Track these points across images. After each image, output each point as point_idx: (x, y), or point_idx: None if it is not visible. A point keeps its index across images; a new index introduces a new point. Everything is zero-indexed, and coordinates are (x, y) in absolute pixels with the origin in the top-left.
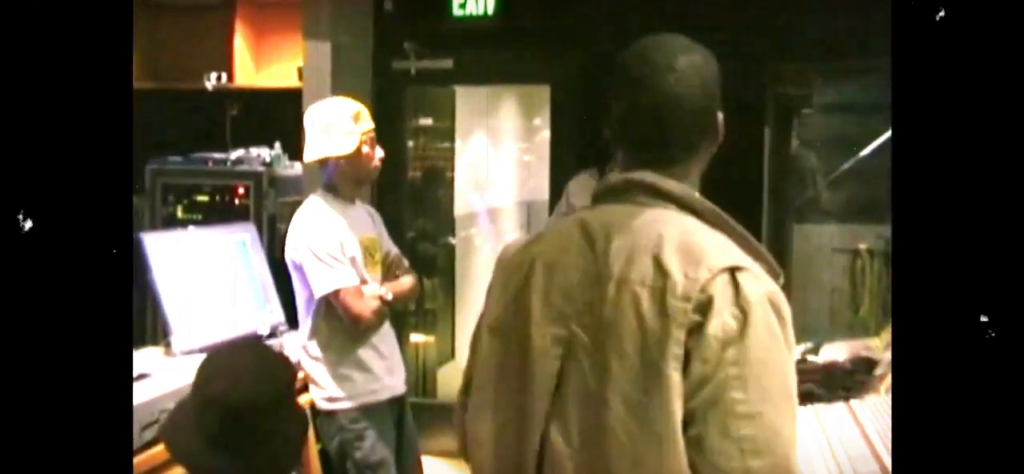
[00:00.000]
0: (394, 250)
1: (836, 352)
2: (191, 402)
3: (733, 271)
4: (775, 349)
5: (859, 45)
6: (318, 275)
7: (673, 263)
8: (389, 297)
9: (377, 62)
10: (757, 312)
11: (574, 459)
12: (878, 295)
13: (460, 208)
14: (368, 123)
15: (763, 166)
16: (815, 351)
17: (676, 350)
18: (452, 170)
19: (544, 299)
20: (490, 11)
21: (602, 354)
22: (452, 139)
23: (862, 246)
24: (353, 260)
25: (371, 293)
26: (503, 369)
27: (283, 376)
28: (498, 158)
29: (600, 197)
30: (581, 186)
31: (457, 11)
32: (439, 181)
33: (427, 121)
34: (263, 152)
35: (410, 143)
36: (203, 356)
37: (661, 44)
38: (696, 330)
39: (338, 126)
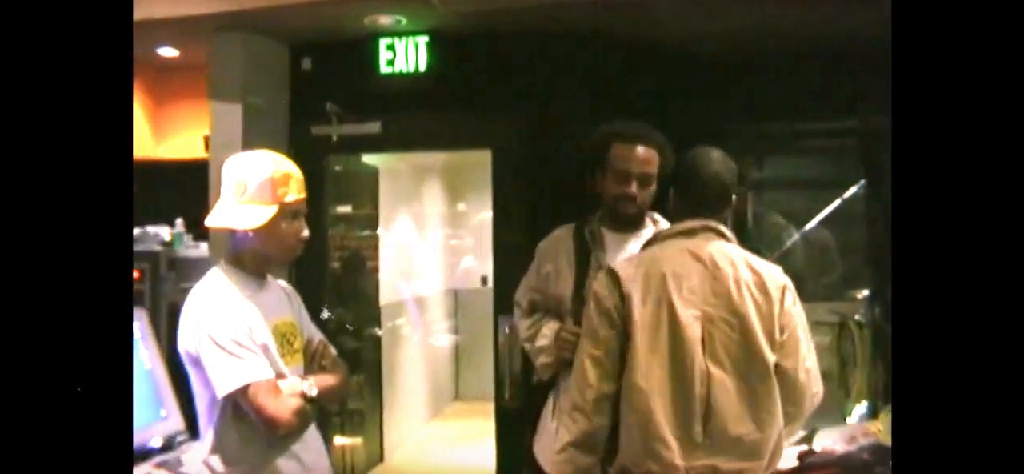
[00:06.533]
0: (318, 337)
1: (832, 440)
2: None
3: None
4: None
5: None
6: (221, 369)
7: (759, 267)
8: (313, 393)
9: (294, 127)
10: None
11: (732, 381)
12: (868, 371)
13: (386, 297)
14: (296, 192)
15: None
16: (809, 441)
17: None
18: (376, 257)
19: (679, 293)
20: (421, 68)
21: (738, 320)
22: (375, 224)
23: (855, 317)
24: (265, 349)
25: (290, 389)
26: (658, 339)
27: None
28: (424, 244)
29: (675, 235)
30: (552, 246)
31: (384, 68)
32: (362, 268)
33: (347, 207)
34: (162, 231)
35: (331, 230)
36: None
37: (714, 151)
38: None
39: (252, 190)
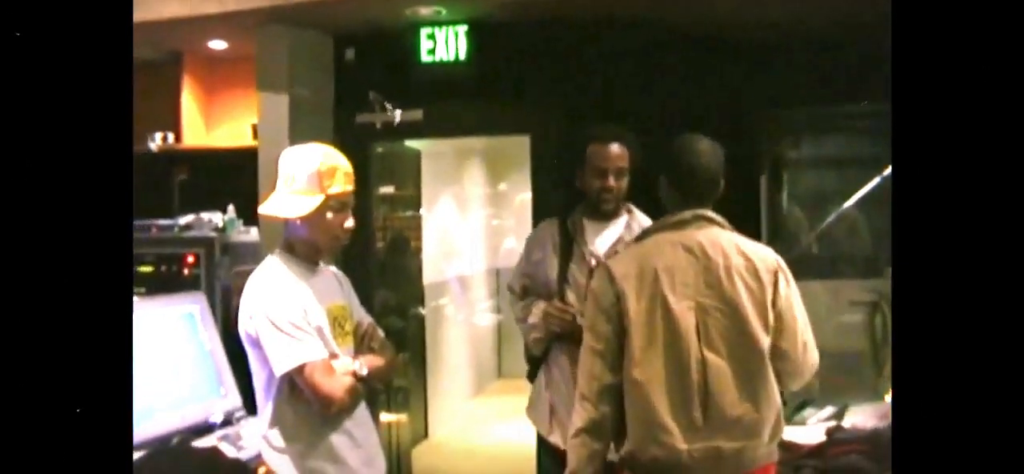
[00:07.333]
0: (367, 319)
1: (864, 417)
2: None
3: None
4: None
5: (843, 92)
6: (279, 349)
7: (750, 251)
8: (364, 372)
9: (339, 116)
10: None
11: (728, 366)
12: None
13: (429, 277)
14: (343, 185)
15: (760, 217)
16: (839, 417)
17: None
18: (419, 238)
19: (672, 287)
20: (462, 57)
21: (731, 307)
22: (417, 206)
23: (883, 298)
24: (319, 331)
25: (343, 368)
26: (654, 333)
27: None
28: (466, 224)
29: (667, 227)
30: (540, 237)
31: (425, 58)
32: (406, 249)
33: (391, 188)
34: (215, 217)
35: (375, 211)
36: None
37: (702, 139)
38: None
39: (301, 181)
